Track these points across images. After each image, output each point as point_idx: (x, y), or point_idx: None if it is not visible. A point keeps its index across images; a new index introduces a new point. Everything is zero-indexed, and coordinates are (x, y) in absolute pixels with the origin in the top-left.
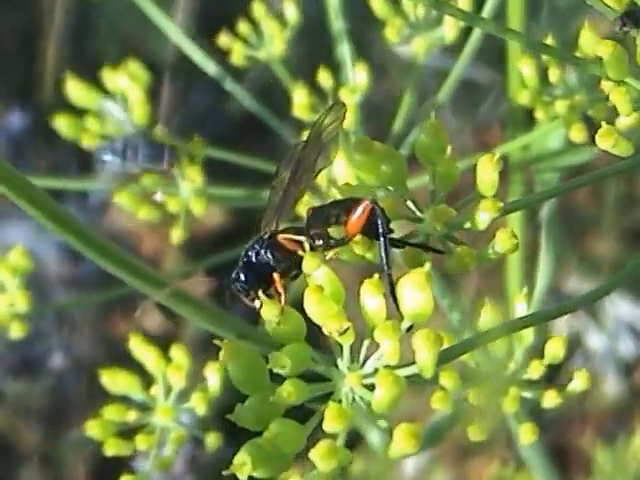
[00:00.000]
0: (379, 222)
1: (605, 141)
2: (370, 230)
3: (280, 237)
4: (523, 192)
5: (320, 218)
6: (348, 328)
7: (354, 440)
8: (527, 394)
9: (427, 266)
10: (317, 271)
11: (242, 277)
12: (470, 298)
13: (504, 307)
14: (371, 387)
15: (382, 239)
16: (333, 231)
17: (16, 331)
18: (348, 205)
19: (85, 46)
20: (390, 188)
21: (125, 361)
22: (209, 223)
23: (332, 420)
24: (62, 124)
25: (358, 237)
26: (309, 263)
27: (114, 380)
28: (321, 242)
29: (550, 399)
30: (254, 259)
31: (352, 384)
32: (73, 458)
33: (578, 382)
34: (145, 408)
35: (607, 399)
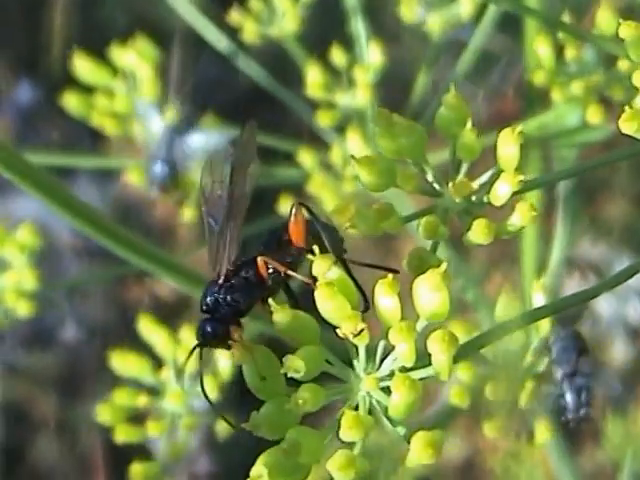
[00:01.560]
0: (317, 224)
1: (629, 126)
2: (314, 230)
3: (261, 266)
4: (541, 168)
5: (270, 248)
6: (363, 329)
7: None
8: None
9: (443, 266)
10: (329, 272)
11: (219, 330)
12: (482, 266)
13: (519, 281)
14: (388, 390)
15: (324, 235)
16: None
17: (23, 309)
18: (284, 224)
19: (92, 15)
20: (409, 161)
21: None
22: None
23: (349, 429)
24: (71, 102)
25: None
26: (319, 265)
27: (124, 362)
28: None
29: None
30: (223, 307)
31: (369, 388)
32: (87, 427)
33: None
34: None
35: (615, 364)
